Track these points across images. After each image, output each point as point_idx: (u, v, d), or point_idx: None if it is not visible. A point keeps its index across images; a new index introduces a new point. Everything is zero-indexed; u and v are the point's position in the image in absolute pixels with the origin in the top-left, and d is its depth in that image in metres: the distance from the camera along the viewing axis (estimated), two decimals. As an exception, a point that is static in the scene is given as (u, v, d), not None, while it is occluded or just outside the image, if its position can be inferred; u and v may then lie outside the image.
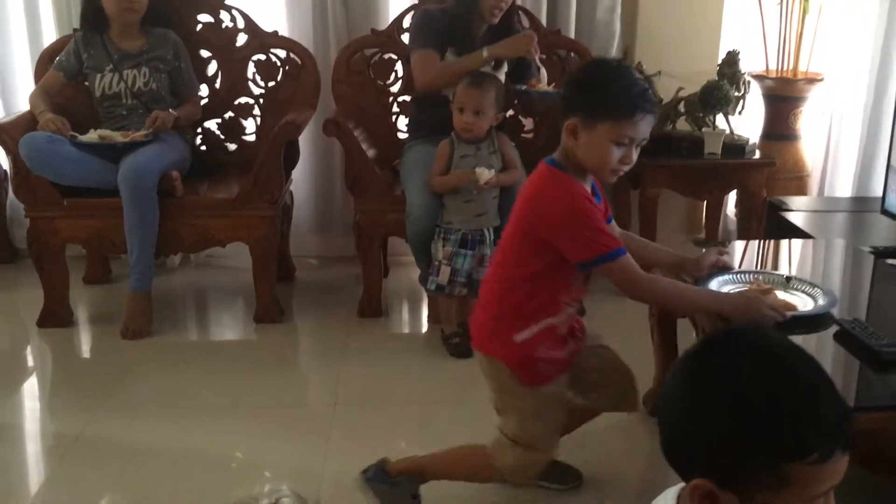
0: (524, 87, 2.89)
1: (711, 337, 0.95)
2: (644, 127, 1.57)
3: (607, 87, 1.57)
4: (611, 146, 1.57)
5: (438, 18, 2.87)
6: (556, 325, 1.69)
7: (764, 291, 1.72)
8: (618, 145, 1.57)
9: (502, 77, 2.91)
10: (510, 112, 3.30)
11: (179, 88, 3.11)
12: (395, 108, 3.33)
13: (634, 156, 1.60)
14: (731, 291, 1.78)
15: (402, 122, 3.31)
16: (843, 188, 3.38)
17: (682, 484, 0.99)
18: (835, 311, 1.70)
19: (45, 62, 3.14)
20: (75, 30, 3.05)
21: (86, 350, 2.91)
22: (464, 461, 1.87)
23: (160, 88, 3.03)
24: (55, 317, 2.93)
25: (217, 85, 3.28)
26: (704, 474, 0.87)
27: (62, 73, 3.01)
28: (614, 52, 3.40)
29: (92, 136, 2.86)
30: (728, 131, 3.19)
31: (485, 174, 2.62)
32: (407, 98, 3.26)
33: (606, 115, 1.55)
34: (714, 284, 1.79)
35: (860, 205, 2.90)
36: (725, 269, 1.86)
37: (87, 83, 3.03)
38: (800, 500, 0.85)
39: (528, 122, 3.37)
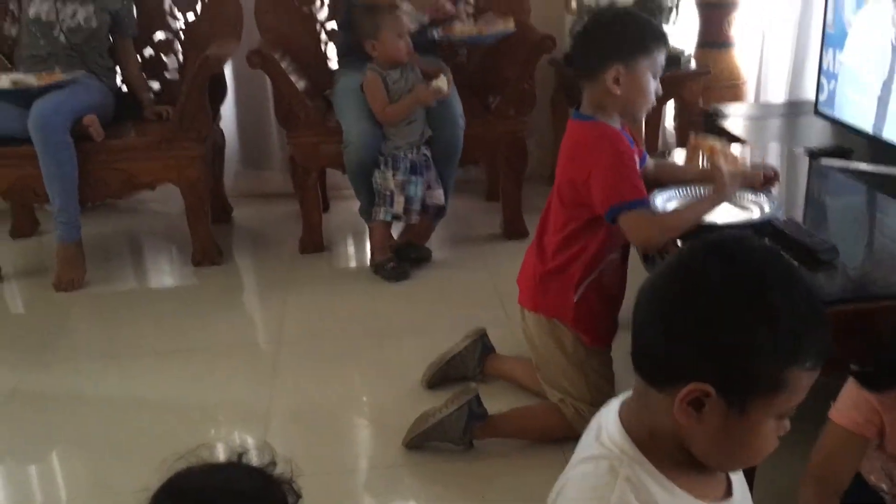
0: (440, 34, 2.88)
1: (699, 247, 0.91)
2: (664, 56, 1.71)
3: (636, 27, 1.70)
4: (651, 80, 1.69)
5: None
6: (604, 271, 1.79)
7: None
8: (654, 77, 1.69)
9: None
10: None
11: (122, 28, 2.97)
12: (324, 37, 3.22)
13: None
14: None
15: (332, 50, 3.20)
16: (777, 93, 3.39)
17: (626, 394, 0.98)
18: (778, 215, 1.70)
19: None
20: None
21: (17, 305, 2.81)
22: (538, 420, 1.90)
23: (100, 28, 2.89)
24: (-18, 273, 2.82)
25: (132, 20, 3.12)
26: (697, 380, 0.85)
27: None
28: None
29: (3, 81, 2.71)
30: (663, 42, 3.15)
31: (444, 81, 2.65)
32: (335, 25, 3.15)
33: (643, 50, 1.67)
34: (659, 201, 1.77)
35: (794, 108, 2.90)
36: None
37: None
38: (783, 408, 0.86)
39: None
